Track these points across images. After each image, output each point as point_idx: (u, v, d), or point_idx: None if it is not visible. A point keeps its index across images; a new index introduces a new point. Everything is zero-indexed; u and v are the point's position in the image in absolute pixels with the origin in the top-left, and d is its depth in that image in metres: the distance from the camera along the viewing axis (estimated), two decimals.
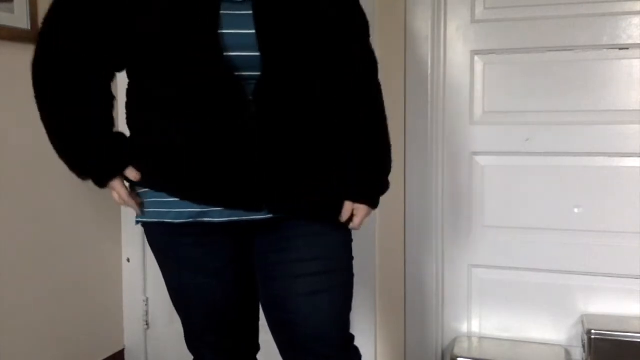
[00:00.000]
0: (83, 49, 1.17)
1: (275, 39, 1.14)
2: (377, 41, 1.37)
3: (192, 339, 1.41)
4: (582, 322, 1.87)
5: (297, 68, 1.18)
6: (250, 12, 1.13)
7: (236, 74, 1.12)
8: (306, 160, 1.21)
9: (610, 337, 1.76)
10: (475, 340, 2.00)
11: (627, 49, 1.82)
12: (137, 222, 1.33)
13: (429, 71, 1.94)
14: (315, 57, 1.20)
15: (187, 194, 1.19)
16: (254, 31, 1.12)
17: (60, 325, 1.99)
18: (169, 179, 1.20)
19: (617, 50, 1.82)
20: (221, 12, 1.11)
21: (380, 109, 1.34)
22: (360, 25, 1.31)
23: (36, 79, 1.19)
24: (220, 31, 1.10)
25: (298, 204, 1.22)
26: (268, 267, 1.28)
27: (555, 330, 1.94)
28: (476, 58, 1.94)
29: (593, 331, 1.77)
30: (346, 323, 1.33)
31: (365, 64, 1.32)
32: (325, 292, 1.26)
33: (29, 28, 1.81)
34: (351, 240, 1.34)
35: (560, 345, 1.93)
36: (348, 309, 1.33)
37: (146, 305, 2.23)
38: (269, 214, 1.20)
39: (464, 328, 2.04)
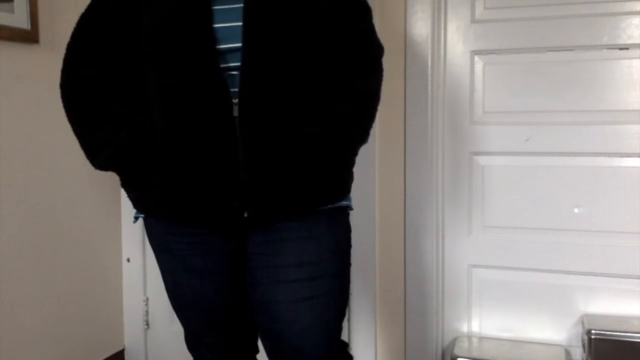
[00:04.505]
0: (103, 69, 1.24)
1: (258, 31, 1.14)
2: None
3: (191, 339, 1.41)
4: (582, 322, 1.87)
5: (279, 61, 1.16)
6: (241, 5, 1.14)
7: (223, 65, 1.14)
8: (289, 160, 1.18)
9: (610, 337, 1.76)
10: (475, 340, 2.00)
11: (627, 49, 1.82)
12: (135, 219, 1.33)
13: (429, 71, 1.94)
14: (303, 52, 1.18)
15: (162, 206, 1.21)
16: (241, 23, 1.14)
17: (60, 325, 1.99)
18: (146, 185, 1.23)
19: (617, 50, 1.82)
20: (214, 7, 1.14)
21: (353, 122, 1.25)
22: (357, 14, 1.27)
23: (67, 101, 1.25)
24: (214, 25, 1.13)
25: (280, 205, 1.19)
26: (254, 270, 1.26)
27: (555, 330, 1.94)
28: (476, 58, 1.95)
29: (593, 331, 1.77)
30: (333, 332, 1.29)
31: (359, 65, 1.27)
32: (308, 299, 1.22)
33: (29, 28, 1.81)
34: (348, 247, 1.31)
35: (560, 345, 1.93)
36: (336, 316, 1.29)
37: (146, 305, 2.23)
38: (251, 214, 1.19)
39: (464, 328, 2.04)
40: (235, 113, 1.14)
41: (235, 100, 1.14)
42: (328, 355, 1.28)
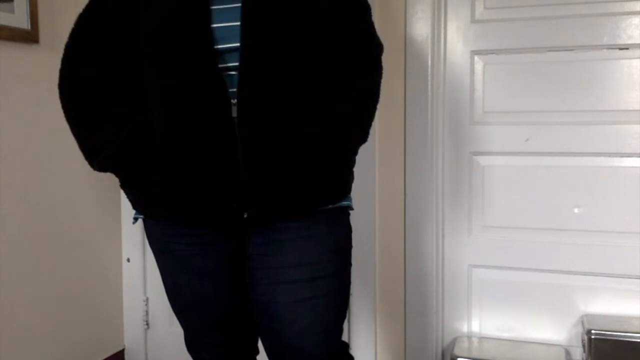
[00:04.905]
0: (102, 70, 1.24)
1: (256, 30, 1.14)
2: None
3: (191, 341, 1.40)
4: (582, 322, 1.87)
5: (278, 61, 1.15)
6: (239, 4, 1.14)
7: (221, 65, 1.13)
8: (288, 160, 1.17)
9: (610, 337, 1.76)
10: (475, 340, 2.00)
11: (627, 49, 1.82)
12: (135, 220, 1.33)
13: (429, 71, 1.94)
14: (302, 51, 1.18)
15: (163, 206, 1.21)
16: (239, 23, 1.14)
17: (60, 325, 1.99)
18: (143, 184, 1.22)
19: (617, 50, 1.82)
20: (213, 7, 1.14)
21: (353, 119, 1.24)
22: (356, 12, 1.26)
23: (65, 101, 1.25)
24: (212, 25, 1.13)
25: (280, 206, 1.19)
26: (253, 270, 1.25)
27: (555, 330, 1.94)
28: (476, 58, 1.95)
29: (593, 331, 1.77)
30: (333, 332, 1.28)
31: (357, 64, 1.26)
32: (308, 300, 1.22)
33: (29, 28, 1.81)
34: (349, 247, 1.30)
35: (560, 345, 1.93)
36: (336, 317, 1.28)
37: (146, 305, 2.23)
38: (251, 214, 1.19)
39: (464, 328, 2.04)
40: (234, 113, 1.14)
41: (234, 101, 1.14)
42: (328, 355, 1.28)
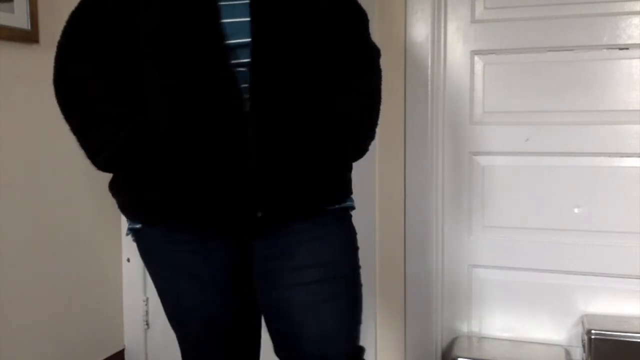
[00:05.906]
0: (97, 66, 1.22)
1: (266, 26, 1.14)
2: (377, 41, 1.38)
3: (190, 355, 1.36)
4: (582, 322, 1.87)
5: (288, 56, 1.16)
6: (247, 1, 1.14)
7: (233, 61, 1.13)
8: (301, 157, 1.17)
9: (610, 337, 1.77)
10: (475, 340, 2.00)
11: (627, 49, 1.82)
12: (129, 232, 1.30)
13: (429, 71, 1.94)
14: (308, 48, 1.18)
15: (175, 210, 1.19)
16: (249, 19, 1.14)
17: (60, 325, 1.99)
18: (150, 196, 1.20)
19: (617, 50, 1.82)
20: (221, 3, 1.13)
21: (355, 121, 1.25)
22: (355, 17, 1.28)
23: (60, 98, 1.24)
24: (221, 20, 1.13)
25: (294, 204, 1.18)
26: (266, 274, 1.23)
27: (555, 330, 1.94)
28: (476, 58, 1.95)
29: (593, 331, 1.77)
30: (352, 335, 1.27)
31: (358, 63, 1.27)
32: (326, 302, 1.21)
33: (29, 28, 1.81)
34: (356, 248, 1.30)
35: (560, 345, 1.93)
36: (354, 320, 1.27)
37: (146, 305, 2.23)
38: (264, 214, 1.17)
39: (464, 328, 2.04)
40: (246, 109, 1.13)
41: (246, 96, 1.13)
42: (346, 358, 1.25)
